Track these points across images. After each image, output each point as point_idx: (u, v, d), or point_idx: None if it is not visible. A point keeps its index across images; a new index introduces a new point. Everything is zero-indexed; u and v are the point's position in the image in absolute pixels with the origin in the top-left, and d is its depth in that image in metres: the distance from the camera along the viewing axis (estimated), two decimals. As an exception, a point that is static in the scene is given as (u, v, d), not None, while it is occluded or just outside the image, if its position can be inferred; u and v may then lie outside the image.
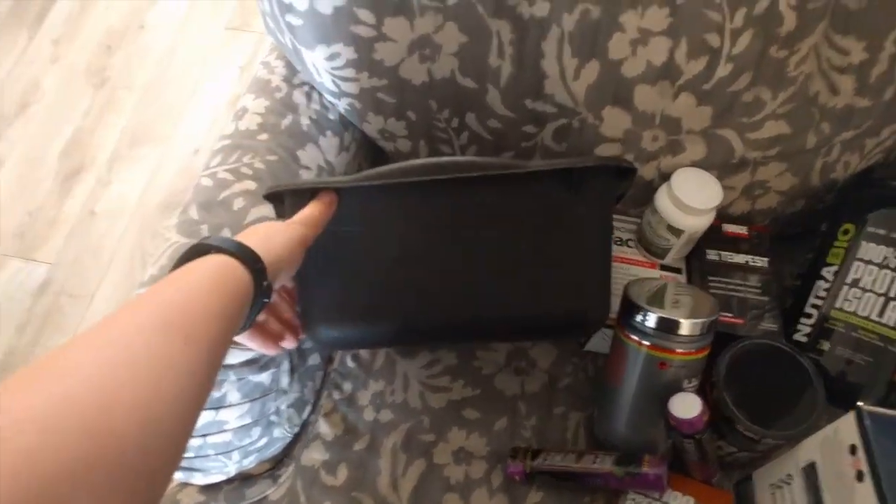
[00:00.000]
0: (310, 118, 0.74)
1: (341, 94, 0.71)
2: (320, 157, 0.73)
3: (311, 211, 0.50)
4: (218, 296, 0.35)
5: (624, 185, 0.60)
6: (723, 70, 0.61)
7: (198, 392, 0.31)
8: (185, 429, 0.30)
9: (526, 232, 0.53)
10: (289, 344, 0.52)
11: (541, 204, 0.53)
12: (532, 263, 0.53)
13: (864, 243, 0.65)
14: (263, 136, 0.71)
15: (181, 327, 0.31)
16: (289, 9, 0.65)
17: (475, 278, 0.54)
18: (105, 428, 0.25)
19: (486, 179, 0.51)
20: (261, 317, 0.48)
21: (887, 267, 0.63)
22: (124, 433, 0.25)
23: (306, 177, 0.71)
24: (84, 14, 1.66)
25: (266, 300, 0.41)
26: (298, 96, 0.75)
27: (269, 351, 0.50)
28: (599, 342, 0.71)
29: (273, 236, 0.44)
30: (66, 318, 1.28)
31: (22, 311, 1.29)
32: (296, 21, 0.65)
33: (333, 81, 0.69)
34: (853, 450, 0.50)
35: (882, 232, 0.64)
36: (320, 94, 0.76)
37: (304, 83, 0.76)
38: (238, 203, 0.65)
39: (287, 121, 0.73)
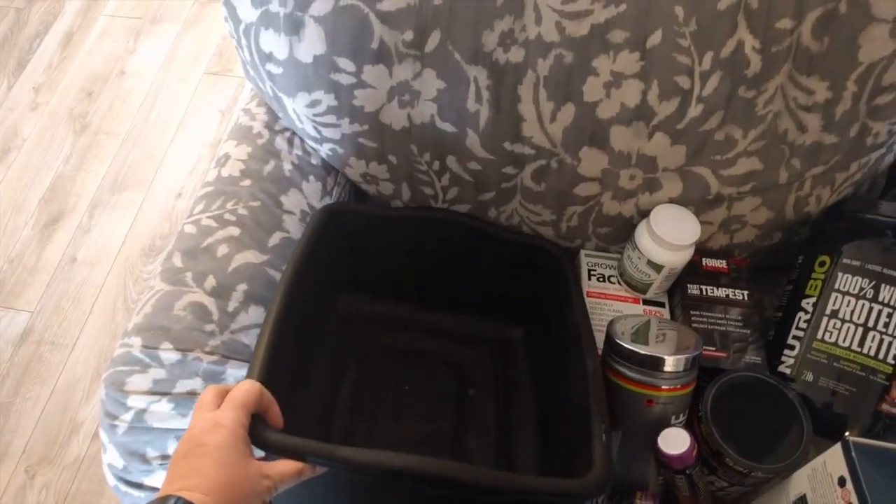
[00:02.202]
0: (292, 163, 0.75)
1: (323, 140, 0.72)
2: (303, 202, 0.74)
3: (285, 469, 0.46)
4: None
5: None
6: (694, 110, 0.63)
7: None
8: None
9: None
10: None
11: None
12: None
13: (840, 275, 0.66)
14: (246, 182, 0.71)
15: None
16: (269, 58, 0.66)
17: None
18: None
19: None
20: None
21: (864, 297, 0.64)
22: None
23: (289, 222, 0.71)
24: (65, 62, 1.67)
25: None
26: (280, 142, 0.76)
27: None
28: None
29: (237, 494, 0.41)
30: (47, 367, 1.25)
31: (2, 361, 1.26)
32: (276, 70, 0.66)
33: (315, 127, 0.70)
34: (842, 482, 0.51)
35: (857, 263, 0.65)
36: (302, 140, 0.77)
37: (285, 129, 0.77)
38: (222, 249, 0.65)
39: (269, 167, 0.73)
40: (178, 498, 0.38)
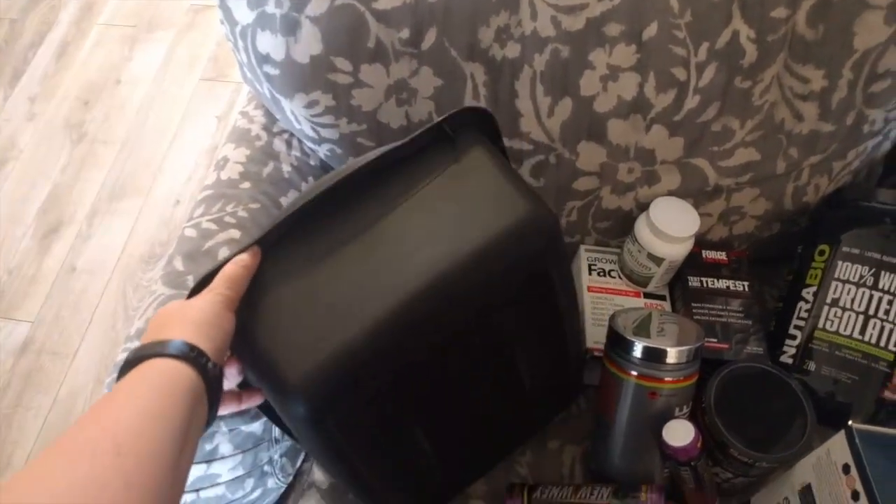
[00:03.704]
0: (291, 165, 0.75)
1: (321, 141, 0.72)
2: (303, 203, 0.73)
3: (226, 273, 0.45)
4: (161, 400, 0.35)
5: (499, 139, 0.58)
6: (691, 102, 0.63)
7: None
8: None
9: (432, 197, 0.51)
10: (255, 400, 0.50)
11: (431, 168, 0.52)
12: (456, 218, 0.50)
13: (840, 263, 0.66)
14: (245, 185, 0.71)
15: (113, 441, 0.32)
16: (266, 59, 0.66)
17: (419, 260, 0.49)
18: None
19: (379, 171, 0.50)
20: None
21: (864, 285, 0.64)
22: None
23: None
24: (60, 71, 1.67)
25: (220, 385, 0.41)
26: (279, 144, 0.76)
27: (252, 403, 0.50)
28: (594, 375, 0.72)
29: (199, 316, 0.42)
30: (48, 376, 1.25)
31: (3, 372, 1.26)
32: (273, 71, 0.66)
33: (313, 128, 0.70)
34: (846, 469, 0.51)
35: (856, 251, 0.66)
36: (300, 141, 0.77)
37: (283, 131, 0.77)
38: (223, 252, 0.65)
39: (268, 169, 0.73)
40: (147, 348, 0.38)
